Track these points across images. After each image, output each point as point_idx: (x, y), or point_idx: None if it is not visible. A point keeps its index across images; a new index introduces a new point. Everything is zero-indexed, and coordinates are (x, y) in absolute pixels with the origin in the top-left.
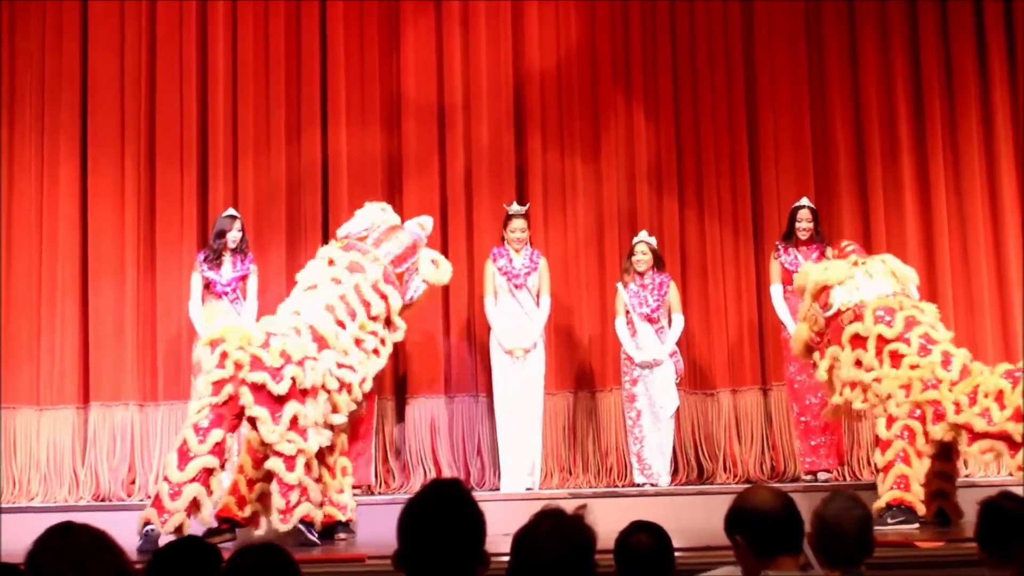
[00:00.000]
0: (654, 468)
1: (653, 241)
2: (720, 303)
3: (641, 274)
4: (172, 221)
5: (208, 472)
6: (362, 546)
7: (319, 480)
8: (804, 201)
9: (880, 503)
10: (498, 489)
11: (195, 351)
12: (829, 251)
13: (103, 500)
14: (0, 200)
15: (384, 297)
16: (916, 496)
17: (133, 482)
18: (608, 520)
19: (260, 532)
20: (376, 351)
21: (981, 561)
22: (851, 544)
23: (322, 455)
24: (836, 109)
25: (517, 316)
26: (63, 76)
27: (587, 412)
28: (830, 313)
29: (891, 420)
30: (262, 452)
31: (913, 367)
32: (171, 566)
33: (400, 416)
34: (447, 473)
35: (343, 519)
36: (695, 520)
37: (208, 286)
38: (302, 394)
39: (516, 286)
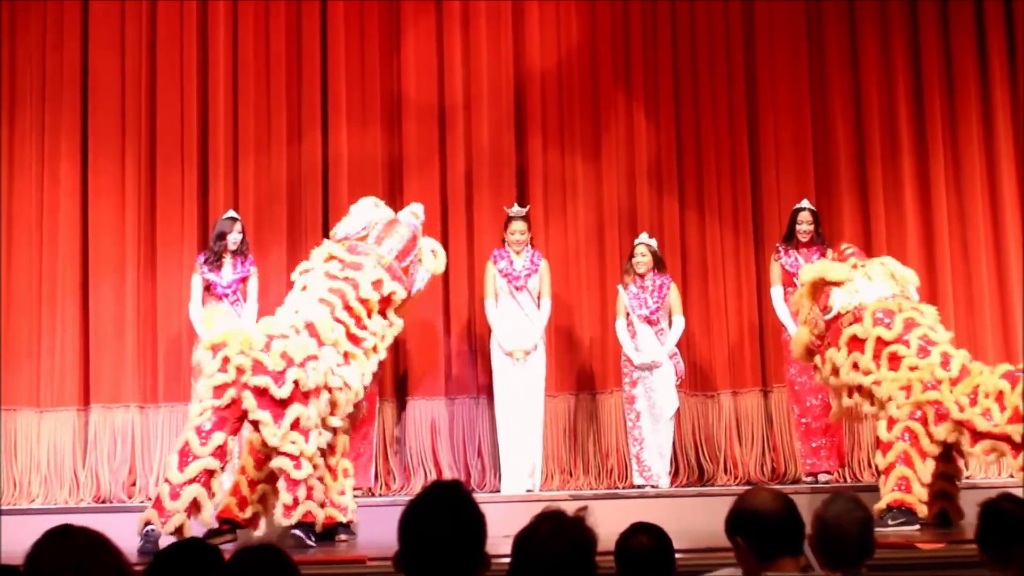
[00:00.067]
0: (653, 470)
1: (653, 243)
2: (720, 304)
3: (641, 276)
4: (172, 221)
5: (209, 474)
6: (363, 547)
7: (320, 480)
8: (804, 203)
9: (881, 505)
10: (499, 491)
11: (195, 354)
12: (829, 253)
13: (104, 502)
14: (0, 199)
15: (382, 292)
16: (917, 498)
17: (134, 484)
18: (609, 522)
19: (259, 533)
20: (375, 348)
21: (982, 563)
22: (852, 546)
23: (323, 456)
24: (837, 109)
25: (518, 318)
26: (64, 76)
27: (588, 414)
28: (830, 316)
29: (892, 422)
30: (264, 453)
31: (912, 368)
32: (172, 568)
33: (400, 418)
34: (447, 475)
35: (344, 520)
36: (696, 522)
37: (208, 288)
38: (304, 396)
39: (517, 288)
